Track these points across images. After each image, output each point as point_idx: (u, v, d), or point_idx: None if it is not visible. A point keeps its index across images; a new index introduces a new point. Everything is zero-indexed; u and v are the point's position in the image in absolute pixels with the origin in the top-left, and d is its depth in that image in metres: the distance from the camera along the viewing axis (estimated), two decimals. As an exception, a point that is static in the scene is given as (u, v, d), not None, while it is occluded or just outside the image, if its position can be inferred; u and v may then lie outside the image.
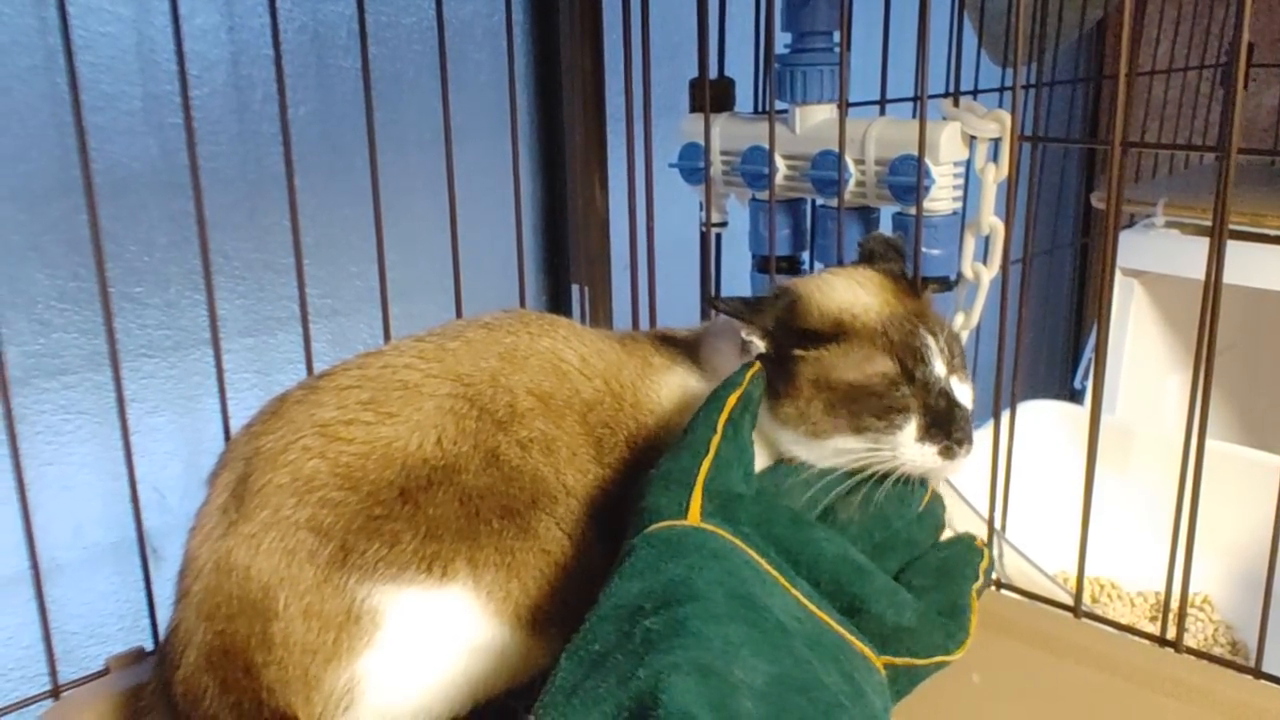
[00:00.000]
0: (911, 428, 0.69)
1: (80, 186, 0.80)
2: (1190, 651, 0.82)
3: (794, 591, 0.62)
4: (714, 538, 0.62)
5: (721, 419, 0.67)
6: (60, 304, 0.99)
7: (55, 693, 0.84)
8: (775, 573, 0.62)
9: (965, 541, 0.74)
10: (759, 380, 0.70)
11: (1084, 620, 0.86)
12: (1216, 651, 1.30)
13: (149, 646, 0.87)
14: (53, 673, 0.84)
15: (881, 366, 0.70)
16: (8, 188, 0.95)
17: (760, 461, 0.72)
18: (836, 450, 0.70)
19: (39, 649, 0.85)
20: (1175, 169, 1.96)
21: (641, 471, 0.70)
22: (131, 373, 1.04)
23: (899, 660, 0.65)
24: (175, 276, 1.05)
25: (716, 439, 0.66)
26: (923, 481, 0.72)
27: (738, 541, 0.63)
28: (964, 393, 0.72)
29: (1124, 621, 1.26)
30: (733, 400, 0.68)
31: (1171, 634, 0.82)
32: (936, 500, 0.74)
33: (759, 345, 0.72)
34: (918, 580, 0.69)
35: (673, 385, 0.77)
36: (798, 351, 0.71)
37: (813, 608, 0.62)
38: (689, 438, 0.67)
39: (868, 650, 0.63)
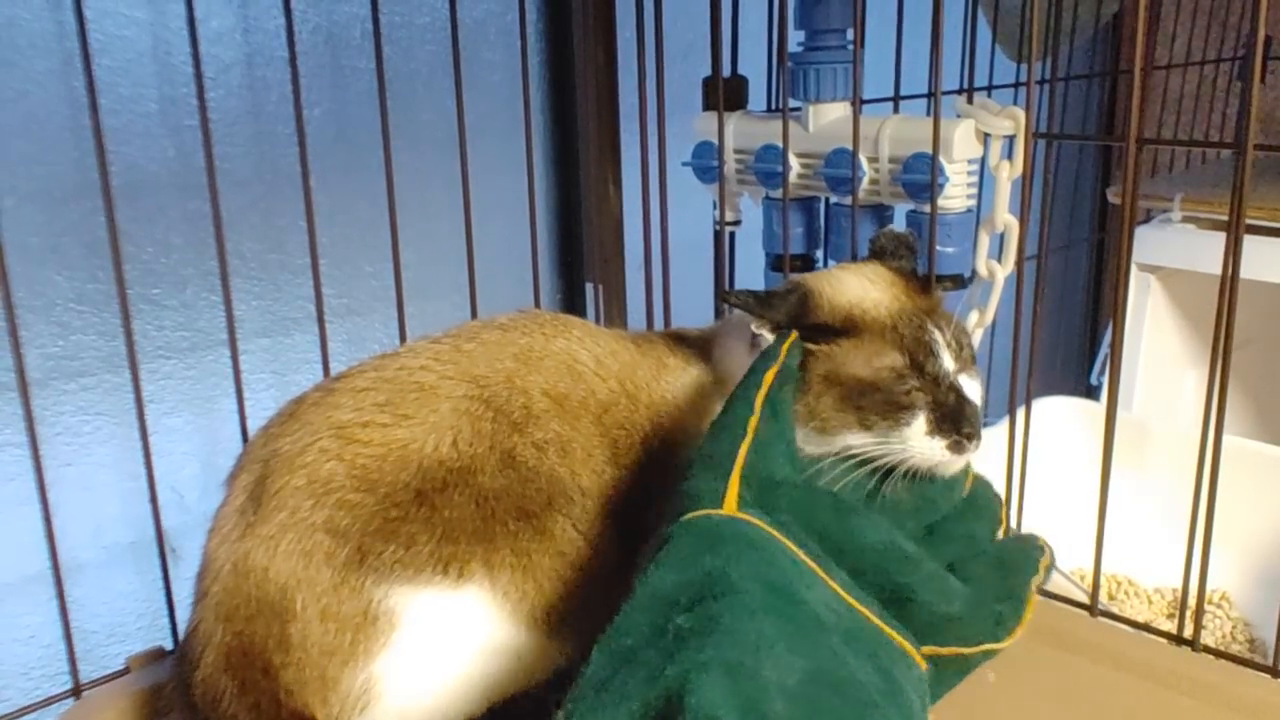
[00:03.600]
0: (920, 422, 0.69)
1: (98, 189, 0.81)
2: (1208, 650, 0.81)
3: (832, 583, 0.62)
4: (751, 527, 0.61)
5: (759, 397, 0.66)
6: (79, 306, 1.00)
7: (76, 692, 0.85)
8: (813, 564, 0.62)
9: (1028, 539, 0.73)
10: (796, 350, 0.69)
11: (1100, 618, 0.86)
12: (1234, 649, 1.29)
13: (169, 646, 0.88)
14: (74, 672, 0.85)
15: (890, 360, 0.70)
16: (26, 190, 0.95)
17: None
18: (845, 447, 0.70)
19: (60, 648, 0.86)
20: (1192, 163, 1.95)
21: (657, 472, 0.69)
22: (149, 374, 1.04)
23: (945, 650, 0.64)
24: (192, 278, 1.06)
25: (754, 420, 0.65)
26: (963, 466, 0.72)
27: (774, 532, 0.62)
28: (973, 389, 0.72)
29: (1141, 618, 1.26)
30: (770, 376, 0.67)
31: (1189, 632, 0.82)
32: (994, 495, 0.74)
33: (769, 339, 0.72)
34: (977, 570, 0.68)
35: (687, 385, 0.77)
36: (808, 346, 0.71)
37: (851, 600, 0.61)
38: (727, 418, 0.67)
39: (907, 645, 0.62)
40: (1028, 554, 0.71)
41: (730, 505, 0.63)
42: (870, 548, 0.64)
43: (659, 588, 0.57)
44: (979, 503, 0.73)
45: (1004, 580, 0.68)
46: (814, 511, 0.65)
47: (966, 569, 0.68)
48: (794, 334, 0.70)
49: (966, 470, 0.73)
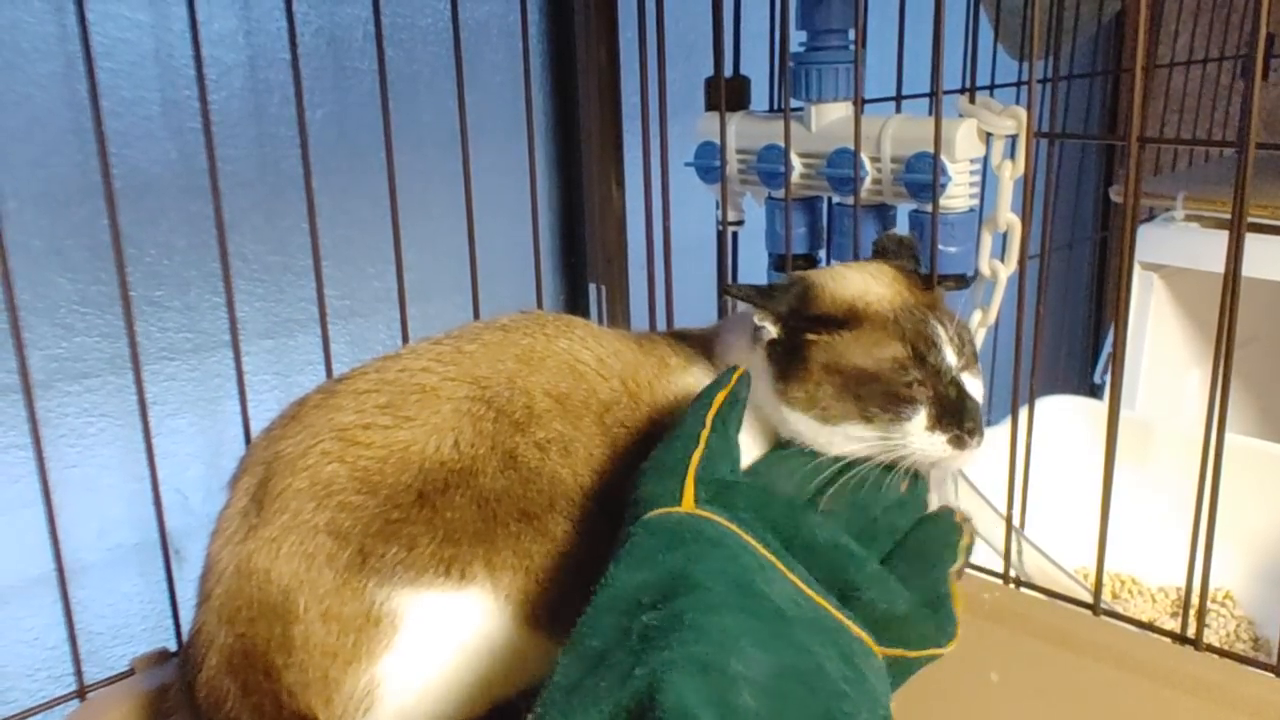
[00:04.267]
0: (921, 417, 0.69)
1: (100, 191, 0.81)
2: (1211, 649, 0.81)
3: (792, 576, 0.62)
4: (711, 524, 0.62)
5: (710, 414, 0.68)
6: (82, 308, 1.00)
7: (81, 693, 0.85)
8: (773, 558, 0.62)
9: (944, 519, 0.73)
10: (745, 382, 0.71)
11: (1103, 618, 0.86)
12: (1238, 648, 1.29)
13: (173, 647, 0.88)
14: (78, 673, 0.85)
15: (892, 351, 0.70)
16: (30, 193, 0.95)
17: (754, 453, 0.73)
18: (848, 436, 0.70)
19: (65, 650, 0.86)
20: (1195, 160, 1.94)
21: None
22: (153, 375, 1.05)
23: (890, 650, 0.64)
24: (195, 280, 1.06)
25: (705, 432, 0.67)
26: (900, 469, 0.71)
27: (734, 528, 0.63)
28: (975, 386, 0.72)
29: (1145, 617, 1.25)
30: (720, 398, 0.69)
31: (1192, 631, 0.82)
32: (920, 484, 0.74)
33: (771, 330, 0.72)
34: (900, 569, 0.69)
35: (689, 384, 0.77)
36: (810, 336, 0.71)
37: (811, 593, 0.62)
38: (679, 430, 0.68)
39: (865, 635, 0.63)
40: (945, 538, 0.71)
41: (688, 504, 0.63)
42: (820, 544, 0.65)
43: (622, 588, 0.58)
44: (905, 498, 0.73)
45: (925, 578, 0.68)
46: (769, 508, 0.66)
47: (893, 565, 0.69)
48: (741, 369, 0.71)
49: (903, 474, 0.72)
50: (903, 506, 0.72)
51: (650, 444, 0.74)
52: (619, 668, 0.52)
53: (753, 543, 0.62)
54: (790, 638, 0.56)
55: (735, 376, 0.70)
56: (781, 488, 0.69)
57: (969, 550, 0.73)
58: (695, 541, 0.60)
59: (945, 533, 0.72)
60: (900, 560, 0.70)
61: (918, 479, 0.73)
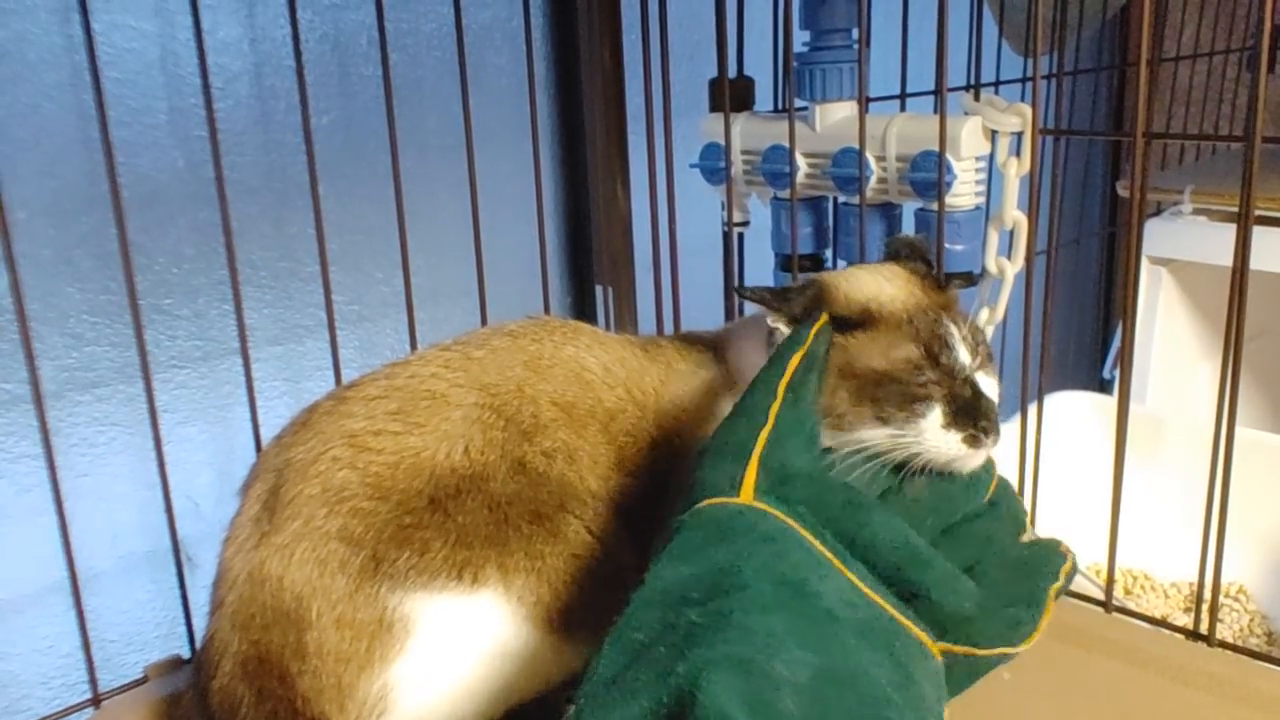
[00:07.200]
0: (936, 415, 0.68)
1: (108, 200, 0.81)
2: (1224, 645, 0.81)
3: (849, 574, 0.61)
4: (766, 518, 0.60)
5: (782, 384, 0.65)
6: (91, 317, 1.00)
7: (95, 701, 0.85)
8: (830, 554, 0.61)
9: (1049, 544, 0.72)
10: (824, 335, 0.68)
11: (1115, 614, 0.86)
12: (1252, 643, 1.29)
13: (186, 654, 0.89)
14: (93, 681, 0.86)
15: (906, 352, 0.69)
16: (38, 203, 0.96)
17: None
18: (861, 441, 0.69)
19: (78, 657, 0.86)
20: (1202, 154, 1.94)
21: (667, 475, 0.69)
22: (163, 384, 1.05)
23: (958, 648, 0.63)
24: (204, 287, 1.06)
25: (776, 405, 0.64)
26: (987, 469, 0.71)
27: (791, 522, 0.61)
28: (990, 385, 0.72)
29: (1158, 613, 1.25)
30: (795, 361, 0.66)
31: (1205, 627, 0.82)
32: (1015, 498, 0.73)
33: (784, 334, 0.72)
34: (994, 573, 0.67)
35: (697, 389, 0.77)
36: None
37: (868, 590, 0.60)
38: (747, 403, 0.65)
39: (924, 636, 0.62)
40: (1049, 559, 0.69)
41: (747, 493, 0.61)
42: (882, 543, 0.63)
43: (670, 580, 0.57)
44: (1001, 506, 0.71)
45: (1022, 583, 0.66)
46: (827, 505, 0.63)
47: (984, 571, 0.67)
48: (824, 317, 0.69)
49: (991, 473, 0.71)
50: (999, 518, 0.70)
51: (657, 451, 0.74)
52: (660, 662, 0.51)
53: (809, 538, 0.61)
54: (839, 641, 0.55)
55: (815, 330, 0.67)
56: (855, 477, 0.67)
57: (1070, 576, 0.71)
58: (746, 537, 0.58)
59: (1049, 554, 0.70)
60: (996, 567, 0.67)
61: (1012, 492, 0.72)
